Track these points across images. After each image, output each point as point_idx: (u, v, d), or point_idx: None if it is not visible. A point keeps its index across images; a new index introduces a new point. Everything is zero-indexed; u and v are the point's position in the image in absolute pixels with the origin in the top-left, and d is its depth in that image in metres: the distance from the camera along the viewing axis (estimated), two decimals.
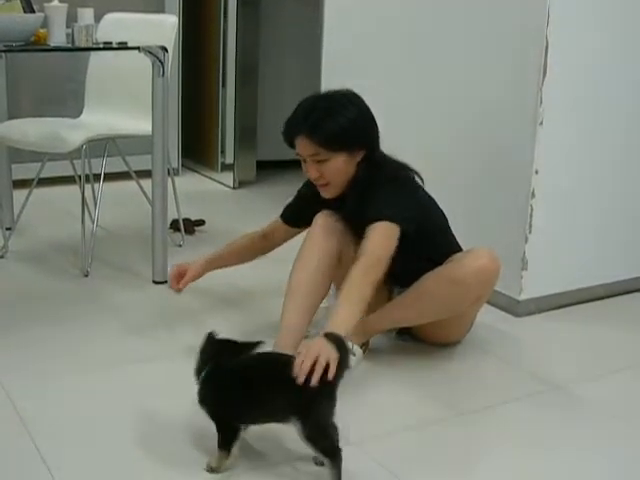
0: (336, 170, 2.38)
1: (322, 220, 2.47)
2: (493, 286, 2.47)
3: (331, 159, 2.36)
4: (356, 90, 2.44)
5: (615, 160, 3.03)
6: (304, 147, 2.38)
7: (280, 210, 2.73)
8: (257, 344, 1.95)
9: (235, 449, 1.92)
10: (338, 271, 2.44)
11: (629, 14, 2.89)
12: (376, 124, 2.43)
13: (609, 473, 2.04)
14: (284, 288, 2.41)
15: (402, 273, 2.43)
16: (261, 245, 2.75)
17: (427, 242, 2.45)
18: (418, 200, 2.45)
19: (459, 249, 2.57)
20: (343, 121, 2.34)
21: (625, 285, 3.19)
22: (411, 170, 2.48)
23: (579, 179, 2.94)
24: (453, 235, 2.57)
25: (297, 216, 2.66)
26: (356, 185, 2.41)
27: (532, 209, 2.82)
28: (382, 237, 2.27)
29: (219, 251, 2.74)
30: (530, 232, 2.84)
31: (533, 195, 2.81)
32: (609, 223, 3.07)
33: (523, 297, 2.90)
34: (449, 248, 2.51)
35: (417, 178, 2.49)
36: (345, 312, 2.13)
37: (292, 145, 2.42)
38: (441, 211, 2.53)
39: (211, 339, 1.96)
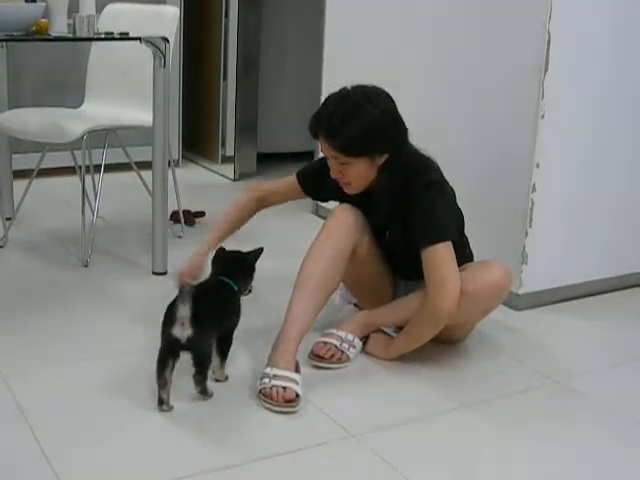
0: (357, 173, 2.37)
1: (340, 214, 2.44)
2: (502, 299, 2.47)
3: (352, 163, 2.34)
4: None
5: (616, 154, 3.02)
6: (325, 147, 2.36)
7: (281, 205, 2.72)
8: (257, 251, 2.34)
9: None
10: (350, 267, 2.44)
11: (632, 8, 2.88)
12: (401, 126, 2.38)
13: (608, 467, 2.04)
14: (292, 280, 2.39)
15: (409, 268, 2.43)
16: (254, 211, 2.69)
17: None
18: (452, 205, 2.44)
19: (469, 252, 2.57)
20: (363, 127, 2.28)
21: (625, 280, 3.19)
22: (437, 166, 2.44)
23: (580, 173, 2.94)
24: (466, 236, 2.56)
25: (314, 182, 2.61)
26: (385, 189, 2.39)
27: (533, 203, 2.82)
28: (447, 264, 2.30)
29: (217, 232, 2.63)
30: (530, 226, 2.84)
31: (534, 189, 2.81)
32: (610, 217, 3.07)
33: (523, 291, 2.90)
34: (460, 249, 2.44)
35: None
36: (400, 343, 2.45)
37: (317, 138, 2.39)
38: (460, 209, 2.50)
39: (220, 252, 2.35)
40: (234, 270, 2.31)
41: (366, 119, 2.29)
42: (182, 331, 2.06)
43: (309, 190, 2.67)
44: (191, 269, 2.51)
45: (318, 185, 2.59)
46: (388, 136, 2.35)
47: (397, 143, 2.38)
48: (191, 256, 2.55)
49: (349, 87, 2.37)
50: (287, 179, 2.69)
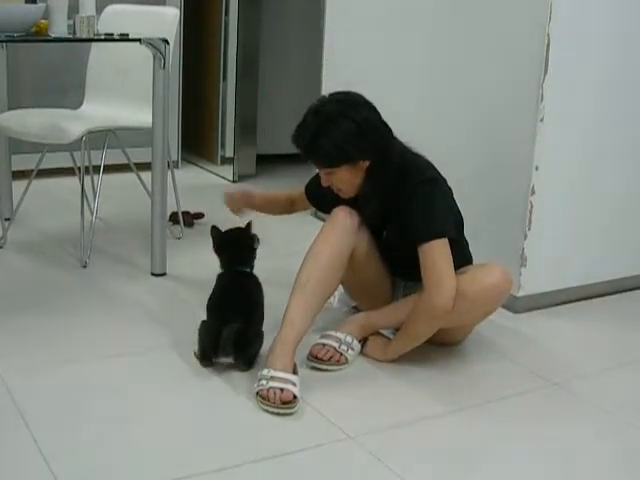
0: (342, 180, 2.40)
1: (338, 217, 2.44)
2: (502, 302, 2.48)
3: (335, 172, 2.38)
4: (356, 86, 2.43)
5: (615, 157, 3.03)
6: (308, 160, 2.42)
7: None
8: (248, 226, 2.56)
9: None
10: (349, 269, 2.44)
11: (632, 11, 2.89)
12: (380, 131, 2.39)
13: (607, 468, 2.04)
14: (291, 281, 2.39)
15: (408, 268, 2.43)
16: (289, 208, 2.87)
17: None
18: (449, 202, 2.45)
19: (468, 252, 2.57)
20: (335, 140, 2.32)
21: (624, 283, 3.19)
22: (432, 165, 2.45)
23: (579, 176, 2.94)
24: (465, 237, 2.56)
25: (317, 195, 2.66)
26: (370, 191, 2.41)
27: (532, 205, 2.82)
28: (444, 261, 2.30)
29: (265, 194, 2.91)
30: (529, 229, 2.84)
31: (533, 191, 2.81)
32: (608, 220, 3.08)
33: (521, 294, 2.90)
34: (460, 250, 2.45)
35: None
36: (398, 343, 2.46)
37: None
38: (458, 209, 2.50)
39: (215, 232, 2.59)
40: (245, 256, 2.55)
41: (338, 132, 2.32)
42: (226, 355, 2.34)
43: (314, 203, 2.76)
44: (242, 196, 2.83)
45: (320, 197, 2.62)
46: (365, 144, 2.36)
47: (377, 148, 2.38)
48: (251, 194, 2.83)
49: (327, 97, 2.42)
50: (300, 192, 2.78)
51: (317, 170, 2.49)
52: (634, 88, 2.99)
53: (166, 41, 2.94)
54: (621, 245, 3.15)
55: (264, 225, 2.77)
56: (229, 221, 2.70)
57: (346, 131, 2.32)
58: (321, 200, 2.65)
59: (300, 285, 2.36)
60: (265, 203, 2.91)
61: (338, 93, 2.42)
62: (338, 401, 2.27)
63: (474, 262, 2.55)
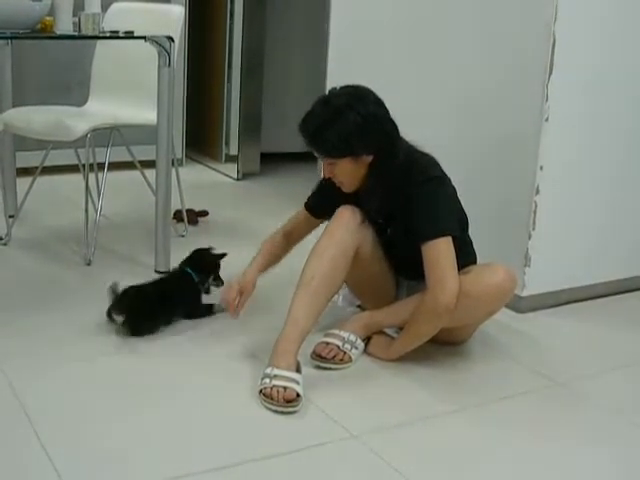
0: (345, 172, 2.40)
1: (342, 215, 2.44)
2: (506, 302, 2.48)
3: (338, 163, 2.37)
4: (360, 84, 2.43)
5: (619, 158, 3.02)
6: (312, 150, 2.41)
7: (283, 203, 2.72)
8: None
9: None
10: (353, 267, 2.43)
11: (638, 11, 2.88)
12: (386, 127, 2.38)
13: (609, 469, 2.04)
14: (295, 280, 2.39)
15: (411, 267, 2.42)
16: (284, 246, 2.67)
17: None
18: (453, 200, 2.44)
19: (473, 251, 2.57)
20: (340, 132, 2.31)
21: (628, 283, 3.19)
22: (438, 164, 2.44)
23: (583, 176, 2.94)
24: (469, 236, 2.56)
25: (322, 205, 2.60)
26: (372, 188, 2.40)
27: (536, 205, 2.82)
28: (447, 260, 2.29)
29: (260, 260, 2.62)
30: (534, 229, 2.84)
31: (537, 191, 2.81)
32: (612, 221, 3.07)
33: (526, 293, 2.90)
34: (464, 249, 2.44)
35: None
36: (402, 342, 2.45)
37: None
38: (462, 208, 2.50)
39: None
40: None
41: (344, 124, 2.31)
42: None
43: (320, 214, 2.63)
44: (241, 286, 2.54)
45: (325, 206, 2.56)
46: (369, 138, 2.35)
47: (382, 144, 2.37)
48: (242, 284, 2.55)
49: (337, 89, 2.41)
50: (300, 214, 2.67)
51: (321, 168, 2.49)
52: (639, 88, 2.98)
53: (171, 39, 2.94)
54: (625, 245, 3.14)
55: (268, 225, 2.77)
56: (231, 221, 2.70)
57: (352, 124, 2.31)
58: (325, 209, 2.56)
59: (304, 284, 2.36)
60: (265, 267, 2.65)
61: (349, 86, 2.40)
62: (341, 400, 2.27)
63: (478, 261, 2.55)
